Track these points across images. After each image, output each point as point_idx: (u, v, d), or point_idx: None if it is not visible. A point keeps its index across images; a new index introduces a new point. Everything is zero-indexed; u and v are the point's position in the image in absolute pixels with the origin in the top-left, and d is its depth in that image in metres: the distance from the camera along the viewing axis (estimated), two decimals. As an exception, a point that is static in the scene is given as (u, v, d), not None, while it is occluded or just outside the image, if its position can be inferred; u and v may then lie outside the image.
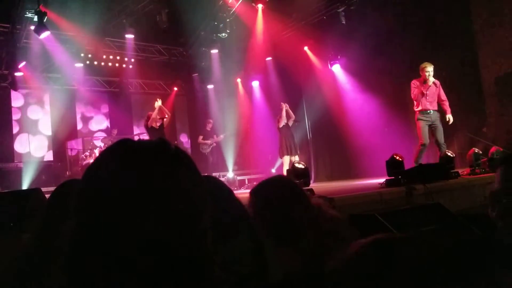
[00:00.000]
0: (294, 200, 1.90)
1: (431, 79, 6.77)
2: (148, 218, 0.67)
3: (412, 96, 6.79)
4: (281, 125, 9.26)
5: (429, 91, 6.76)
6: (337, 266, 0.88)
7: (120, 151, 0.73)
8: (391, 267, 0.85)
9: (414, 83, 6.83)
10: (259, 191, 1.99)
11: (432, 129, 6.81)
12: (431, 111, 6.79)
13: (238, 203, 1.79)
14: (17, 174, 10.26)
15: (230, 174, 11.23)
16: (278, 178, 2.13)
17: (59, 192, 1.62)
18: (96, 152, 10.49)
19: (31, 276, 1.36)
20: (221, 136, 11.03)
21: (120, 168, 0.70)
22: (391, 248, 0.89)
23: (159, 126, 8.97)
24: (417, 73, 9.88)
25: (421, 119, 6.76)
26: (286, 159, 8.99)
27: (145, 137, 10.35)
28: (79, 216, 0.69)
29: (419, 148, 6.78)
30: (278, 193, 1.94)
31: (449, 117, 6.89)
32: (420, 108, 6.77)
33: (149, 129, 9.01)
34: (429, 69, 6.75)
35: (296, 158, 8.88)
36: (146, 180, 0.69)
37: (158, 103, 9.06)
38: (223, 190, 1.78)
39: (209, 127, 11.06)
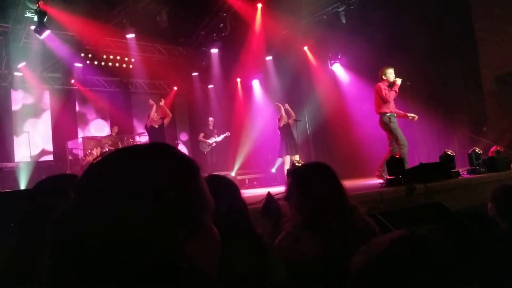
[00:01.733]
0: (329, 187, 1.90)
1: (399, 79, 6.79)
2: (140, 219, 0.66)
3: (387, 97, 6.69)
4: (281, 125, 9.26)
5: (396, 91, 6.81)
6: (365, 263, 0.87)
7: (116, 158, 0.74)
8: (422, 263, 0.85)
9: (383, 86, 6.78)
10: (298, 172, 2.01)
11: None
12: (395, 114, 6.84)
13: (243, 203, 1.79)
14: (17, 174, 10.26)
15: (232, 173, 11.25)
16: (320, 164, 2.13)
17: (39, 190, 1.59)
18: (95, 152, 10.47)
19: (16, 277, 1.35)
20: (223, 135, 10.99)
21: (119, 173, 0.71)
22: (424, 245, 0.88)
23: (159, 126, 8.93)
24: (417, 72, 9.90)
25: (394, 121, 6.72)
26: (287, 159, 8.99)
27: (145, 136, 10.35)
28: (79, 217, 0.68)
29: (402, 151, 6.53)
30: (316, 177, 1.95)
31: (411, 115, 6.94)
32: (389, 110, 6.75)
33: (149, 129, 8.99)
34: (391, 70, 6.83)
35: (296, 157, 8.87)
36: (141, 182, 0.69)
37: (161, 103, 9.03)
38: (230, 189, 1.78)
39: (210, 125, 11.05)
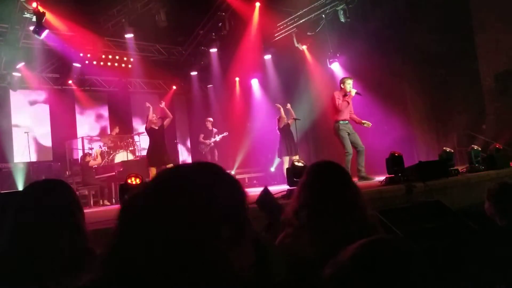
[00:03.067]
0: (339, 185, 1.91)
1: (353, 90, 7.17)
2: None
3: (338, 105, 7.12)
4: (281, 126, 9.26)
5: (350, 101, 7.25)
6: (333, 271, 0.90)
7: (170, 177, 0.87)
8: (381, 268, 0.86)
9: (338, 95, 7.20)
10: (309, 170, 2.03)
11: (351, 137, 7.15)
12: (348, 121, 7.24)
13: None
14: (17, 174, 10.25)
15: (232, 172, 11.27)
16: (332, 163, 2.16)
17: (29, 193, 1.60)
18: (94, 152, 10.46)
19: (10, 277, 1.36)
20: (221, 135, 10.97)
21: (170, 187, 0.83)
22: (380, 250, 0.90)
23: (159, 127, 8.84)
24: (416, 70, 9.91)
25: (343, 129, 7.11)
26: (286, 159, 8.99)
27: (145, 136, 10.30)
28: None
29: (346, 158, 6.98)
30: (326, 176, 1.96)
31: (366, 122, 7.38)
32: (341, 118, 7.15)
33: (149, 131, 8.85)
34: (350, 81, 7.25)
35: (295, 157, 8.87)
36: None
37: (161, 105, 8.94)
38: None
39: (209, 126, 11.02)
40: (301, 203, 1.92)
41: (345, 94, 7.18)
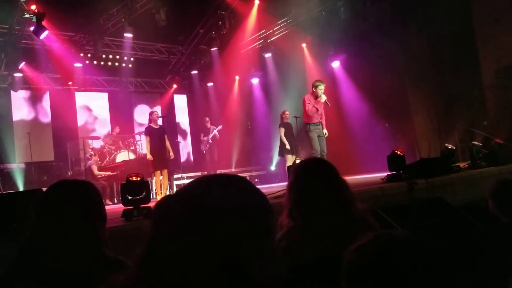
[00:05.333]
0: (328, 182, 1.91)
1: (323, 96, 7.13)
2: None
3: (308, 111, 7.13)
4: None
5: (320, 106, 7.22)
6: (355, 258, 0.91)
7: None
8: (389, 263, 0.86)
9: (308, 99, 7.19)
10: (296, 168, 2.04)
11: (319, 139, 7.19)
12: (319, 123, 7.26)
13: None
14: (19, 174, 10.26)
15: (232, 169, 11.32)
16: (319, 159, 2.17)
17: (51, 194, 1.59)
18: (95, 152, 10.46)
19: (29, 277, 1.36)
20: (215, 130, 10.93)
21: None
22: (390, 246, 0.89)
23: (159, 126, 8.75)
24: (416, 67, 9.89)
25: (314, 131, 7.16)
26: (288, 157, 8.96)
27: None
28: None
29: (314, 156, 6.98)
30: (314, 173, 1.96)
31: (325, 131, 7.29)
32: (312, 121, 7.17)
33: (147, 129, 8.71)
34: (322, 87, 7.17)
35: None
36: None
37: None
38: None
39: (207, 124, 11.03)
40: (292, 204, 1.91)
41: (316, 97, 7.16)
